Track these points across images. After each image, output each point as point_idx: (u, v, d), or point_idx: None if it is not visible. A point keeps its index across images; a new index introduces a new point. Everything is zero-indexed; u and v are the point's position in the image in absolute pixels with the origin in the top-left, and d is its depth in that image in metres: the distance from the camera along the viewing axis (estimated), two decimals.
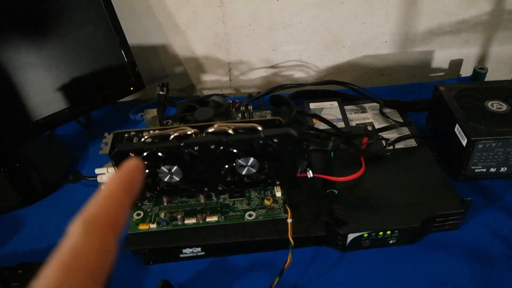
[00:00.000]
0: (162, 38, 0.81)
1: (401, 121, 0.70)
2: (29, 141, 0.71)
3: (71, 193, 0.65)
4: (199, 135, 0.51)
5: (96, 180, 0.57)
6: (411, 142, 0.66)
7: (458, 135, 0.61)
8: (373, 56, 0.86)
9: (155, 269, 0.54)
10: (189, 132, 0.51)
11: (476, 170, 0.62)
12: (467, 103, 0.65)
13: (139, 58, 0.73)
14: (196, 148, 0.50)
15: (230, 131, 0.51)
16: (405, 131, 0.68)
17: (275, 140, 0.51)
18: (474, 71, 0.83)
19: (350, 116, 0.72)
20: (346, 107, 0.74)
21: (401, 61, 0.87)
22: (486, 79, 0.82)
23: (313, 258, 0.55)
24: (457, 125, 0.61)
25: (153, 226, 0.54)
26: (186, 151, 0.50)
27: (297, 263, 0.53)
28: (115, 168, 0.52)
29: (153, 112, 0.69)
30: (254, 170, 0.53)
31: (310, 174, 0.55)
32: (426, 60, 0.88)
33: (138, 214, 0.56)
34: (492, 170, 0.62)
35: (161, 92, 0.67)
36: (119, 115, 0.79)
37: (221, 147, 0.51)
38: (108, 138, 0.52)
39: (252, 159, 0.52)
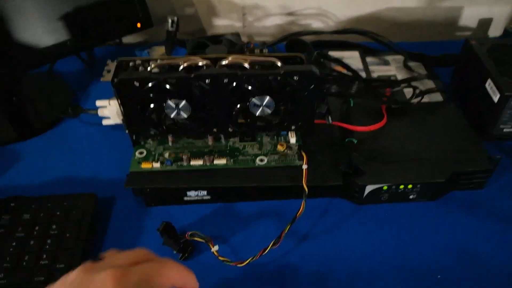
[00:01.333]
0: None
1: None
2: (27, 73, 0.66)
3: (71, 128, 0.61)
4: (211, 67, 0.47)
5: (97, 113, 0.53)
6: (437, 97, 0.61)
7: (489, 91, 0.56)
8: (398, 8, 0.80)
9: (157, 211, 0.51)
10: (200, 63, 0.46)
11: (504, 130, 0.58)
12: (500, 58, 0.59)
13: None
14: (207, 81, 0.46)
15: (246, 65, 0.46)
16: (431, 84, 0.63)
17: (295, 77, 0.46)
18: (505, 30, 0.78)
19: (372, 68, 0.67)
20: (368, 59, 0.69)
21: (427, 16, 0.81)
22: None
23: (326, 210, 0.51)
24: (489, 80, 0.57)
25: (157, 165, 0.50)
26: (197, 84, 0.46)
27: (310, 214, 0.49)
28: (118, 98, 0.47)
29: (161, 49, 0.64)
30: (269, 111, 0.48)
31: (329, 120, 0.51)
32: (453, 17, 0.82)
33: (141, 153, 0.52)
34: None
35: (170, 28, 0.62)
36: (123, 54, 0.74)
37: (235, 82, 0.46)
38: (111, 65, 0.48)
39: (268, 98, 0.47)
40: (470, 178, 0.52)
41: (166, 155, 0.52)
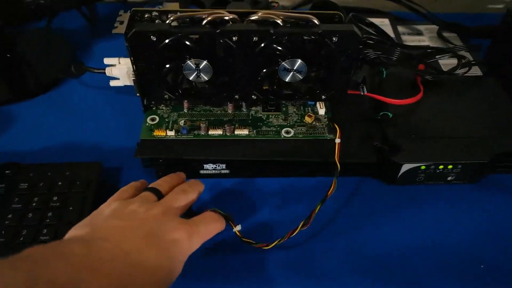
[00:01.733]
0: None
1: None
2: (23, 28, 0.60)
3: (73, 89, 0.55)
4: (239, 23, 0.41)
5: (105, 72, 0.47)
6: (475, 70, 0.56)
7: None
8: None
9: None
10: (226, 18, 0.40)
11: None
12: None
13: None
14: (234, 38, 0.40)
15: (279, 21, 0.40)
16: (468, 57, 0.58)
17: (334, 38, 0.40)
18: None
19: (403, 37, 0.61)
20: (399, 28, 0.63)
21: None
22: None
23: (356, 190, 0.46)
24: None
25: (171, 133, 0.45)
26: (222, 41, 0.40)
27: (339, 194, 0.44)
28: (131, 54, 0.41)
29: (173, 6, 0.57)
30: (300, 77, 0.43)
31: (364, 90, 0.45)
32: None
33: (153, 119, 0.47)
34: None
35: None
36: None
37: (265, 42, 0.40)
38: (124, 16, 0.42)
39: (299, 61, 0.42)
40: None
41: (181, 122, 0.46)
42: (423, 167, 0.45)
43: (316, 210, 0.40)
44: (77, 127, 0.51)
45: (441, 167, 0.45)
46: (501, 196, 0.46)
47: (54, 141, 0.49)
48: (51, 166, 0.45)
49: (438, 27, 0.62)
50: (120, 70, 0.46)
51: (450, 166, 0.45)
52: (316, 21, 0.40)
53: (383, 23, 0.63)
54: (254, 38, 0.40)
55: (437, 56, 0.55)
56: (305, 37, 0.40)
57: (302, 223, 0.39)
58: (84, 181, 0.43)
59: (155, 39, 0.40)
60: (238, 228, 0.39)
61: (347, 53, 0.42)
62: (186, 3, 0.56)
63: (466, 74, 0.54)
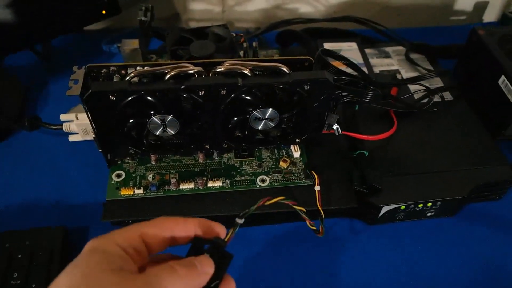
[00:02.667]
0: None
1: (431, 68, 0.59)
2: None
3: (27, 143, 0.51)
4: (204, 76, 0.38)
5: (62, 129, 0.44)
6: (446, 95, 0.55)
7: (504, 89, 0.51)
8: None
9: None
10: (191, 71, 0.38)
11: None
12: None
13: None
14: (201, 93, 0.38)
15: (247, 72, 0.38)
16: (438, 81, 0.57)
17: (305, 87, 0.39)
18: (504, 15, 0.73)
19: (372, 61, 0.60)
20: (367, 51, 0.62)
21: (422, 0, 0.75)
22: None
23: (335, 231, 0.45)
24: (503, 77, 0.51)
25: (139, 191, 0.42)
26: (187, 96, 0.38)
27: (317, 237, 0.43)
28: (88, 114, 0.38)
29: (133, 43, 0.54)
30: (272, 125, 0.41)
31: (338, 131, 0.44)
32: (449, 0, 0.76)
33: (119, 175, 0.44)
34: None
35: (144, 18, 0.52)
36: (88, 45, 0.63)
37: (234, 94, 0.38)
38: (79, 73, 0.38)
39: (271, 110, 0.40)
40: (490, 190, 0.47)
41: (150, 177, 0.44)
42: (402, 207, 0.44)
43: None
44: (34, 185, 0.47)
45: (420, 205, 0.44)
46: (481, 226, 0.46)
47: (8, 202, 0.45)
48: (7, 235, 0.41)
49: (405, 48, 0.62)
50: (78, 126, 0.43)
51: (429, 204, 0.44)
52: (285, 70, 0.38)
53: (351, 48, 0.61)
54: (222, 92, 0.38)
55: (411, 93, 0.54)
56: (275, 86, 0.38)
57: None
58: (47, 250, 0.40)
59: (114, 98, 0.37)
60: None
61: (319, 99, 0.40)
62: (146, 39, 0.53)
63: (439, 99, 0.54)
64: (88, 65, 0.38)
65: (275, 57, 0.41)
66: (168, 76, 0.37)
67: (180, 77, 0.38)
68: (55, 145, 0.49)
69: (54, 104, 0.55)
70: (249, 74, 0.38)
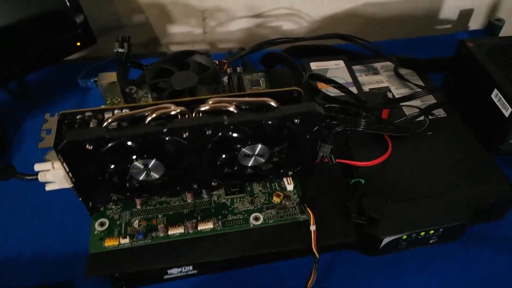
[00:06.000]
0: None
1: (422, 83, 0.58)
2: None
3: (1, 194, 0.47)
4: (187, 116, 0.36)
5: (37, 179, 0.41)
6: (439, 112, 0.54)
7: (497, 103, 0.50)
8: (376, 3, 0.72)
9: None
10: (173, 112, 0.35)
11: None
12: (503, 62, 0.53)
13: (85, 4, 0.55)
14: (185, 134, 0.35)
15: (232, 109, 0.36)
16: (429, 97, 0.56)
17: (296, 121, 0.36)
18: (490, 23, 0.72)
19: (361, 78, 0.58)
20: (354, 68, 0.60)
21: (406, 11, 0.74)
22: (502, 33, 0.72)
23: (335, 265, 0.43)
24: (495, 91, 0.50)
25: (125, 241, 0.39)
26: (170, 139, 0.35)
27: (319, 270, 0.41)
28: (64, 165, 0.35)
29: (110, 76, 0.51)
30: (262, 160, 0.39)
31: (332, 160, 0.42)
32: (434, 9, 0.75)
33: (102, 224, 0.41)
34: None
35: (120, 50, 0.50)
36: (64, 79, 0.60)
37: (221, 133, 0.36)
38: (51, 121, 0.36)
39: (260, 146, 0.38)
40: (493, 210, 0.45)
41: (135, 223, 0.41)
42: (404, 237, 0.42)
43: None
44: (12, 238, 0.44)
45: (422, 233, 0.42)
46: (485, 249, 0.45)
47: None
48: None
49: (393, 64, 0.60)
50: (55, 175, 0.40)
51: (431, 232, 0.42)
52: (273, 104, 0.36)
53: (339, 66, 0.60)
54: (208, 132, 0.35)
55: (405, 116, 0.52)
56: (264, 122, 0.36)
57: None
58: None
59: (91, 147, 0.34)
60: None
61: (311, 131, 0.38)
62: (124, 72, 0.50)
63: (431, 117, 0.52)
64: (61, 112, 0.35)
65: (261, 90, 0.39)
66: (149, 119, 0.35)
67: (162, 119, 0.35)
68: (32, 195, 0.46)
69: (30, 147, 0.52)
70: (235, 111, 0.36)
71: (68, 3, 0.53)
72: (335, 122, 0.39)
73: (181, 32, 0.70)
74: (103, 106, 0.37)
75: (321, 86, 0.53)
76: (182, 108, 0.36)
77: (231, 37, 0.71)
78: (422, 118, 0.50)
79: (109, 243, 0.39)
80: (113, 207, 0.42)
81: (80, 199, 0.39)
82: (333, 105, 0.41)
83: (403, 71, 0.60)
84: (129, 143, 0.35)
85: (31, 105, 0.57)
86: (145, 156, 0.36)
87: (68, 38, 0.54)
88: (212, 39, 0.71)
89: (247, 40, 0.71)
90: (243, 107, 0.37)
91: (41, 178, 0.40)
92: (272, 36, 0.66)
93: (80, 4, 0.54)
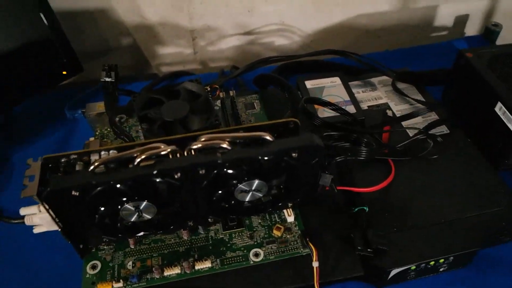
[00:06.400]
0: (100, 0, 0.60)
1: (422, 98, 0.56)
2: None
3: None
4: (178, 155, 0.34)
5: (23, 222, 0.38)
6: (441, 128, 0.52)
7: (502, 116, 0.48)
8: (369, 15, 0.70)
9: None
10: (163, 152, 0.33)
11: None
12: (505, 73, 0.51)
13: (70, 30, 0.53)
14: (177, 175, 0.33)
15: (225, 145, 0.34)
16: (431, 113, 0.54)
17: (293, 154, 0.34)
18: (487, 28, 0.71)
19: (358, 96, 0.56)
20: (351, 84, 0.58)
21: (400, 20, 0.72)
22: (499, 38, 0.70)
23: None
24: (499, 104, 0.48)
25: (118, 285, 0.37)
26: (162, 180, 0.33)
27: None
28: (50, 212, 0.33)
29: (98, 106, 0.49)
30: (260, 195, 0.37)
31: (334, 189, 0.40)
32: (428, 17, 0.73)
33: (94, 267, 0.39)
34: None
35: (108, 79, 0.48)
36: (51, 108, 0.58)
37: (215, 171, 0.34)
38: (34, 166, 0.33)
39: (257, 181, 0.36)
40: (503, 233, 0.43)
41: (129, 265, 0.39)
42: (413, 268, 0.40)
43: None
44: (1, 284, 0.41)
45: (432, 263, 0.40)
46: (496, 273, 0.43)
47: None
48: None
49: (391, 78, 0.58)
50: (42, 219, 0.38)
51: (441, 260, 0.40)
52: (269, 138, 0.34)
53: (335, 84, 0.58)
54: (201, 171, 0.33)
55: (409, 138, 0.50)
56: (259, 158, 0.34)
57: None
58: None
59: (78, 193, 0.32)
60: None
61: (310, 164, 0.36)
62: (112, 102, 0.48)
63: (434, 132, 0.50)
64: (44, 156, 0.33)
65: (257, 124, 0.37)
66: (138, 160, 0.33)
67: (152, 159, 0.33)
68: (19, 238, 0.44)
69: (15, 185, 0.49)
70: (229, 148, 0.34)
71: (51, 33, 0.51)
72: (335, 151, 0.37)
73: (171, 53, 0.68)
74: (89, 146, 0.35)
75: (318, 106, 0.52)
76: (173, 147, 0.34)
77: (223, 56, 0.69)
78: (431, 143, 0.48)
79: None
80: (105, 247, 0.40)
81: (70, 242, 0.37)
82: (332, 133, 0.39)
83: (401, 85, 0.58)
84: (118, 186, 0.33)
85: (17, 138, 0.55)
86: (136, 198, 0.34)
87: (53, 67, 0.52)
88: (203, 59, 0.69)
89: (239, 57, 0.69)
90: (237, 141, 0.35)
91: (27, 221, 0.38)
92: (265, 52, 0.64)
93: (64, 33, 0.52)
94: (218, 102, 0.52)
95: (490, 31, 0.70)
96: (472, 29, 0.76)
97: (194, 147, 0.33)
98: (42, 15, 0.50)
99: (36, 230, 0.40)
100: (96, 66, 0.53)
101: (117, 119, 0.50)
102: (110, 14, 0.62)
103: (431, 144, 0.44)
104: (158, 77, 0.62)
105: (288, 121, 0.36)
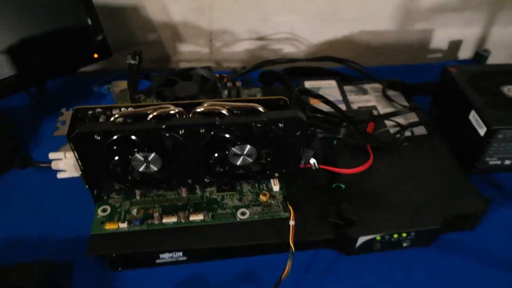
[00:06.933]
0: None
1: (407, 104, 0.62)
2: None
3: (17, 181, 0.53)
4: (184, 116, 0.41)
5: (50, 166, 0.46)
6: (421, 130, 0.58)
7: (474, 123, 0.54)
8: (371, 32, 0.77)
9: (125, 276, 0.44)
10: (172, 112, 0.40)
11: (490, 163, 0.55)
12: (482, 87, 0.57)
13: (105, 21, 0.61)
14: (181, 131, 0.40)
15: (224, 112, 0.41)
16: (413, 116, 0.60)
17: (280, 125, 0.41)
18: (477, 53, 0.77)
19: (351, 98, 0.63)
20: (345, 88, 0.65)
21: (400, 40, 0.79)
22: (487, 63, 0.76)
23: (313, 263, 0.46)
24: (473, 112, 0.54)
25: (123, 225, 0.44)
26: (168, 135, 0.40)
27: (296, 268, 0.44)
28: (75, 153, 0.41)
29: (122, 84, 0.57)
30: (250, 160, 0.44)
31: (315, 165, 0.46)
32: (425, 39, 0.80)
33: (104, 210, 0.45)
34: (508, 162, 0.56)
35: (132, 61, 0.56)
36: (80, 87, 0.67)
37: (213, 132, 0.41)
38: (67, 115, 0.41)
39: (248, 146, 0.42)
40: (463, 220, 0.49)
41: (134, 211, 0.45)
42: (378, 238, 0.45)
43: None
44: (21, 220, 0.49)
45: (395, 236, 0.46)
46: (454, 256, 0.48)
47: None
48: None
49: (382, 86, 0.65)
50: (66, 164, 0.45)
51: (404, 234, 0.46)
52: (261, 109, 0.41)
53: (331, 86, 0.65)
54: (201, 130, 0.40)
55: (385, 127, 0.56)
56: (251, 124, 0.41)
57: None
58: (33, 285, 0.41)
59: (99, 138, 0.39)
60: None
61: (294, 135, 0.43)
62: (134, 81, 0.56)
63: (413, 134, 0.57)
64: (75, 107, 0.41)
65: (252, 98, 0.44)
66: (150, 116, 0.40)
67: (161, 117, 0.40)
68: (44, 182, 0.51)
69: (45, 144, 0.57)
70: (227, 114, 0.41)
71: (89, 21, 0.60)
72: (318, 130, 0.44)
73: (190, 51, 0.76)
74: (111, 105, 0.42)
75: (313, 102, 0.59)
76: (180, 109, 0.41)
77: (235, 57, 0.77)
78: (404, 134, 0.54)
79: (109, 226, 0.43)
80: (115, 196, 0.47)
81: (87, 186, 0.44)
82: (318, 114, 0.45)
83: (390, 92, 0.65)
84: (132, 137, 0.40)
85: (48, 109, 0.63)
86: (146, 149, 0.41)
87: (86, 50, 0.61)
88: (217, 58, 0.77)
89: (249, 60, 0.77)
90: (235, 112, 0.42)
91: (54, 166, 0.46)
92: (273, 57, 0.72)
93: (100, 21, 0.60)
94: (226, 92, 0.60)
95: (479, 55, 0.77)
96: (465, 53, 0.83)
97: (198, 110, 0.41)
98: (84, 8, 0.59)
99: (60, 176, 0.47)
100: (122, 57, 0.61)
101: (136, 97, 0.58)
102: (141, 11, 0.70)
103: (403, 135, 0.50)
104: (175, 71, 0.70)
105: (279, 99, 0.43)
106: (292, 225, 0.43)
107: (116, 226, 0.44)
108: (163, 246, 0.43)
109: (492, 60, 0.76)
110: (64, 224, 0.48)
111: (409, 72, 0.75)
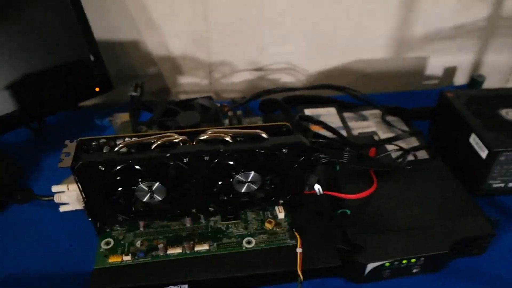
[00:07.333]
0: (134, 33, 0.70)
1: (407, 129, 0.63)
2: None
3: (19, 216, 0.52)
4: (188, 144, 0.41)
5: (53, 200, 0.45)
6: (422, 154, 0.58)
7: (475, 146, 0.54)
8: (366, 61, 0.79)
9: None
10: (176, 140, 0.40)
11: (494, 185, 0.55)
12: (479, 111, 0.58)
13: (106, 55, 0.62)
14: (185, 159, 0.40)
15: (228, 139, 0.41)
16: (413, 141, 0.61)
17: (284, 150, 0.41)
18: (472, 79, 0.79)
19: (351, 124, 0.64)
20: (345, 114, 0.66)
21: (394, 67, 0.81)
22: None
23: None
24: (473, 135, 0.55)
25: (127, 258, 0.43)
26: (173, 163, 0.40)
27: None
28: (79, 185, 0.40)
29: (124, 116, 0.58)
30: (255, 187, 0.43)
31: (319, 191, 0.46)
32: (420, 66, 0.82)
33: (107, 243, 0.45)
34: (511, 185, 0.56)
35: (134, 93, 0.56)
36: (81, 120, 0.67)
37: (217, 159, 0.41)
38: (70, 146, 0.41)
39: (253, 173, 0.42)
40: (472, 244, 0.48)
41: (138, 243, 0.45)
42: (387, 264, 0.45)
43: None
44: (24, 256, 0.47)
45: (404, 261, 0.45)
46: (464, 282, 0.47)
47: None
48: None
49: (381, 112, 0.66)
50: (69, 197, 0.45)
51: (413, 260, 0.45)
52: (264, 135, 0.41)
53: (330, 113, 0.65)
54: (206, 158, 0.40)
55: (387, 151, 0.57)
56: (255, 151, 0.41)
57: None
58: None
59: (103, 168, 0.39)
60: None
61: (298, 161, 0.42)
62: (136, 113, 0.56)
63: (415, 158, 0.57)
64: (79, 138, 0.41)
65: (255, 125, 0.44)
66: (154, 145, 0.40)
67: (166, 146, 0.40)
68: (47, 216, 0.50)
69: (46, 178, 0.57)
70: (231, 141, 0.41)
71: (90, 55, 0.60)
72: (321, 155, 0.44)
73: (189, 82, 0.77)
74: (115, 135, 0.42)
75: (314, 128, 0.59)
76: (184, 137, 0.41)
77: (235, 88, 0.78)
78: (406, 158, 0.54)
79: (113, 259, 0.42)
80: (119, 228, 0.46)
81: (90, 219, 0.43)
82: (320, 140, 0.46)
83: (390, 118, 0.65)
84: (136, 166, 0.40)
85: (49, 143, 0.63)
86: (150, 179, 0.41)
87: (88, 84, 0.61)
88: (217, 89, 0.78)
89: (249, 90, 0.78)
90: (238, 138, 0.42)
91: (56, 199, 0.45)
92: (272, 87, 0.72)
93: (101, 55, 0.61)
94: (227, 121, 0.60)
95: (474, 81, 0.78)
96: (460, 79, 0.84)
97: (202, 138, 0.41)
98: (86, 43, 0.60)
99: (62, 209, 0.47)
100: (122, 91, 0.62)
101: (138, 128, 0.58)
102: (140, 46, 0.72)
103: (406, 158, 0.50)
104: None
105: (281, 125, 0.43)
106: (300, 253, 0.42)
107: (120, 259, 0.43)
108: (168, 279, 0.42)
109: (487, 84, 0.77)
110: (67, 258, 0.47)
111: (406, 99, 0.75)
